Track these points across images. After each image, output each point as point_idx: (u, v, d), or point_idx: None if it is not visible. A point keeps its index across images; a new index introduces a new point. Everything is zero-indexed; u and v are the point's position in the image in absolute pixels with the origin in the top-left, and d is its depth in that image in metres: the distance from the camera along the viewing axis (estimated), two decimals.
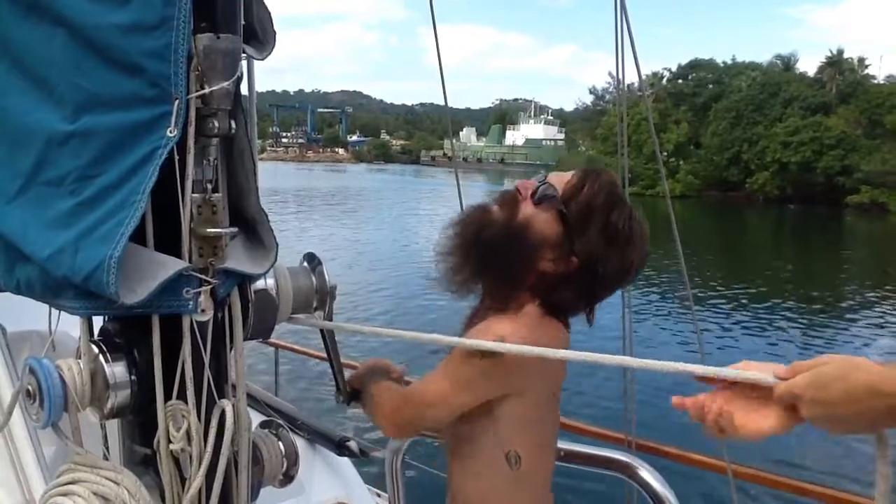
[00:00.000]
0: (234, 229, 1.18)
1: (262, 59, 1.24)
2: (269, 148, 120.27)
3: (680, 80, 75.22)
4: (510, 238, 1.63)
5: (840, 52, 66.41)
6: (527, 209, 1.64)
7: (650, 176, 50.77)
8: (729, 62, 75.40)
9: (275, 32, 1.25)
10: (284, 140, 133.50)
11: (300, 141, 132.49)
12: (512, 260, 1.63)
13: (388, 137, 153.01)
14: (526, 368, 1.59)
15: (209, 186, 1.15)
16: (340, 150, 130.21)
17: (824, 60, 66.67)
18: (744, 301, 18.89)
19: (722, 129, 62.82)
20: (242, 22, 1.16)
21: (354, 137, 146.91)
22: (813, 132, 56.28)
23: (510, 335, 1.54)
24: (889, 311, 18.74)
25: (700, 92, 71.50)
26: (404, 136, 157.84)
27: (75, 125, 1.07)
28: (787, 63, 73.34)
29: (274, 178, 61.34)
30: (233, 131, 1.14)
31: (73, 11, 1.05)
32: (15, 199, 1.13)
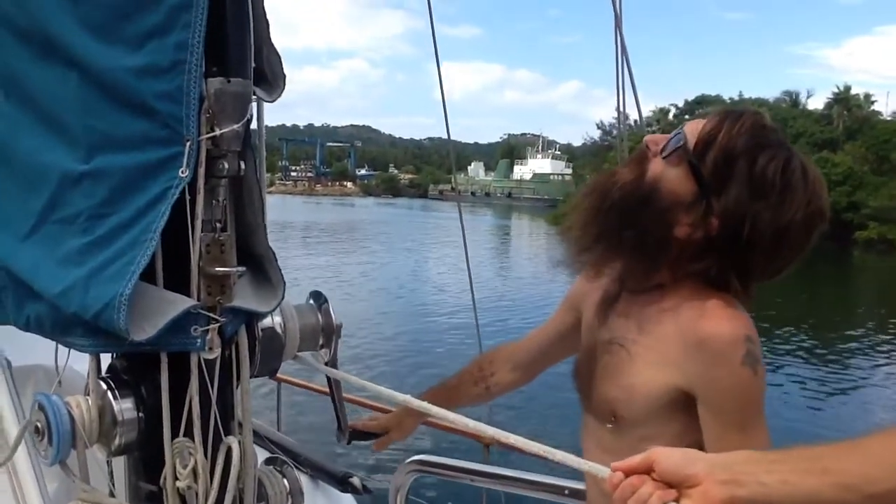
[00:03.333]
0: (243, 268, 1.20)
1: (272, 101, 1.27)
2: (278, 181, 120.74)
3: (686, 116, 75.44)
4: (637, 199, 1.39)
5: (847, 88, 66.67)
6: (656, 166, 1.40)
7: None
8: (735, 98, 75.91)
9: (284, 75, 1.28)
10: (293, 174, 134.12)
11: (309, 174, 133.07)
12: (643, 227, 1.38)
13: (396, 171, 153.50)
14: None
15: (218, 226, 1.17)
16: (349, 184, 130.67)
17: (831, 97, 66.95)
18: None
19: None
20: (253, 65, 1.19)
21: (363, 171, 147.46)
22: (820, 168, 56.10)
23: (748, 330, 1.32)
24: None
25: None
26: (413, 170, 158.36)
27: (88, 165, 1.09)
28: (794, 99, 73.68)
29: (283, 211, 61.55)
30: (242, 172, 1.17)
31: (86, 54, 1.07)
32: (28, 238, 1.15)
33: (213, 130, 1.11)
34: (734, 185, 1.32)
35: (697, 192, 1.35)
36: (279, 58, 1.27)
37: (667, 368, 1.38)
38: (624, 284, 1.52)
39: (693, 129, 1.38)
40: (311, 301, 1.44)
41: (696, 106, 75.34)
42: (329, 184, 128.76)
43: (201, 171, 1.11)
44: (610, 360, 1.48)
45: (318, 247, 37.36)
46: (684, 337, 1.35)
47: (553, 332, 1.83)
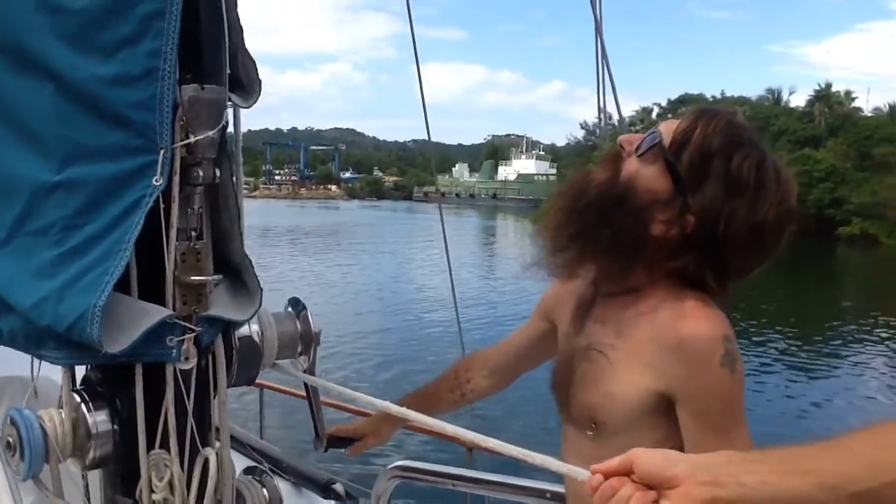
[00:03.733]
0: (219, 277, 1.19)
1: (248, 108, 1.26)
2: (262, 186, 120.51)
3: (669, 115, 75.34)
4: (612, 198, 1.38)
5: (828, 85, 67.18)
6: (631, 165, 1.40)
7: None
8: (718, 96, 76.27)
9: (260, 81, 1.27)
10: (277, 177, 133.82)
11: (293, 178, 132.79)
12: (619, 226, 1.37)
13: (380, 174, 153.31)
14: None
15: (193, 234, 1.16)
16: (333, 187, 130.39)
17: (812, 94, 67.46)
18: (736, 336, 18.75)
19: None
20: (228, 72, 1.17)
21: (347, 174, 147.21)
22: (802, 165, 56.54)
23: (726, 329, 1.32)
24: (883, 344, 18.70)
25: None
26: (397, 172, 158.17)
27: (61, 176, 1.08)
28: (776, 97, 74.20)
29: (266, 215, 61.39)
30: (217, 179, 1.16)
31: (61, 64, 1.06)
32: (0, 250, 1.13)
33: (187, 138, 1.10)
34: (710, 182, 1.33)
35: (673, 190, 1.35)
36: (254, 63, 1.26)
37: (646, 372, 1.37)
38: (599, 288, 1.51)
39: (668, 128, 1.39)
40: (290, 308, 1.43)
41: (679, 105, 75.71)
42: (313, 187, 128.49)
43: (176, 179, 1.10)
44: (589, 367, 1.46)
45: (301, 250, 37.25)
46: (662, 339, 1.35)
47: (526, 339, 1.83)
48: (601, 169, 1.45)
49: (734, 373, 1.30)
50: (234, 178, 1.21)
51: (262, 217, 56.74)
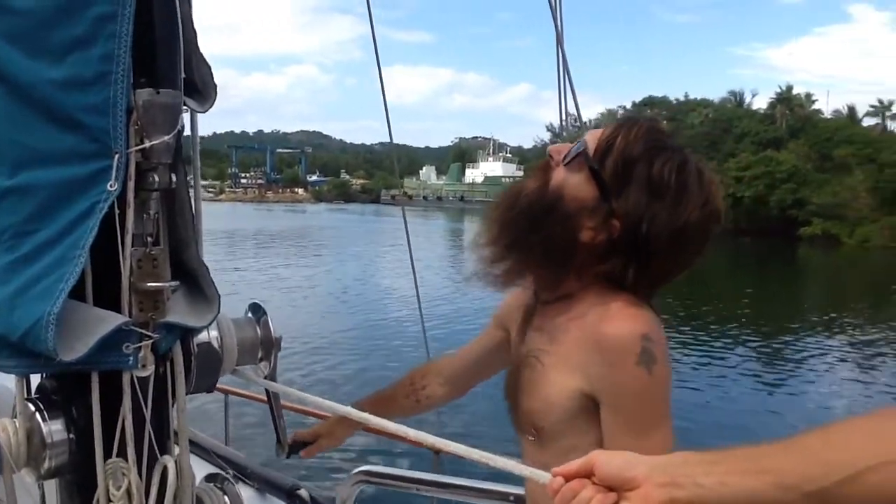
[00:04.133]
0: (176, 283, 1.17)
1: (204, 112, 1.25)
2: (227, 189, 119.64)
3: None
4: (541, 207, 1.42)
5: (789, 88, 68.27)
6: (559, 174, 1.43)
7: None
8: (682, 99, 77.16)
9: (215, 85, 1.26)
10: (244, 181, 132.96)
11: (260, 181, 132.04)
12: (549, 233, 1.40)
13: (348, 177, 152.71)
14: None
15: (150, 240, 1.14)
16: (300, 191, 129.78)
17: (774, 97, 68.44)
18: (701, 338, 18.88)
19: None
20: (183, 76, 1.16)
21: (314, 177, 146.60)
22: (765, 167, 57.56)
23: (645, 328, 1.32)
24: (845, 342, 19.01)
25: None
26: (364, 175, 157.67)
27: (13, 181, 1.06)
28: (739, 99, 75.14)
29: (232, 219, 60.93)
30: (174, 185, 1.15)
31: (11, 68, 1.04)
32: None
33: (142, 143, 1.09)
34: (633, 187, 1.36)
35: (599, 196, 1.38)
36: (209, 68, 1.25)
37: (574, 374, 1.39)
38: (538, 297, 1.54)
39: (593, 137, 1.42)
40: (250, 314, 1.42)
41: (643, 108, 76.44)
42: (280, 190, 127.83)
43: (131, 184, 1.09)
44: (529, 374, 1.48)
45: (267, 254, 37.00)
46: (586, 340, 1.37)
47: (482, 348, 1.84)
48: (531, 179, 1.48)
49: (651, 373, 1.30)
50: (192, 184, 1.20)
51: (228, 221, 56.28)
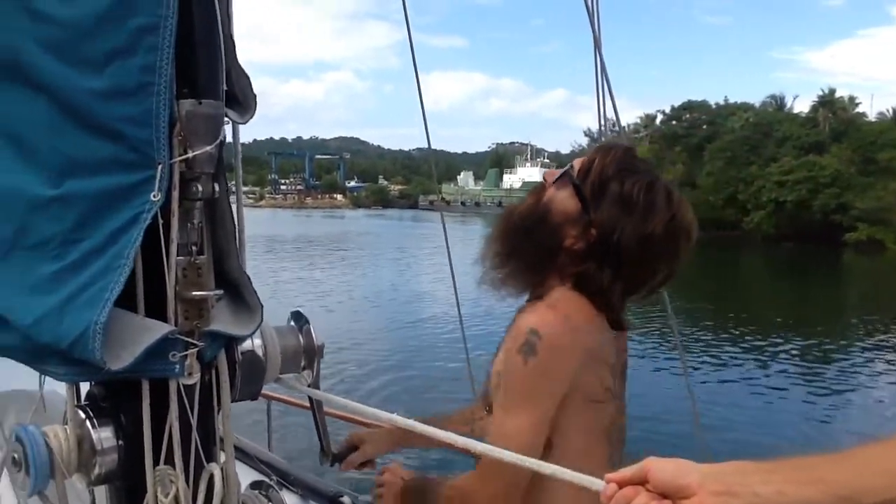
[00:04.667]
0: (220, 291, 1.18)
1: (244, 123, 1.26)
2: (268, 195, 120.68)
3: (674, 122, 75.79)
4: (534, 219, 1.67)
5: (832, 91, 66.98)
6: (550, 192, 1.68)
7: None
8: (721, 103, 76.19)
9: (255, 96, 1.27)
10: (283, 187, 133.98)
11: (299, 187, 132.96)
12: (537, 240, 1.65)
13: (385, 182, 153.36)
14: (585, 350, 1.56)
15: (194, 249, 1.16)
16: (339, 196, 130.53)
17: (816, 100, 67.31)
18: (741, 346, 18.50)
19: (717, 169, 63.07)
20: (224, 88, 1.18)
21: (352, 183, 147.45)
22: (807, 171, 56.62)
23: (539, 324, 1.53)
24: (891, 351, 18.57)
25: (694, 133, 71.81)
26: (402, 180, 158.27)
27: (58, 190, 1.07)
28: (780, 103, 74.06)
29: (272, 224, 61.40)
30: (216, 195, 1.16)
31: (53, 78, 1.06)
32: None
33: (185, 153, 1.10)
34: (607, 202, 1.59)
35: (580, 209, 1.62)
36: (248, 79, 1.26)
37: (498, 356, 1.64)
38: (527, 300, 1.73)
39: (579, 162, 1.68)
40: (292, 322, 1.43)
41: (683, 111, 75.72)
42: (319, 196, 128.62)
43: (175, 194, 1.10)
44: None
45: (307, 259, 37.24)
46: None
47: None
48: (528, 198, 1.74)
49: (526, 364, 1.52)
50: (234, 194, 1.21)
51: (268, 226, 56.73)
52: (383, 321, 20.08)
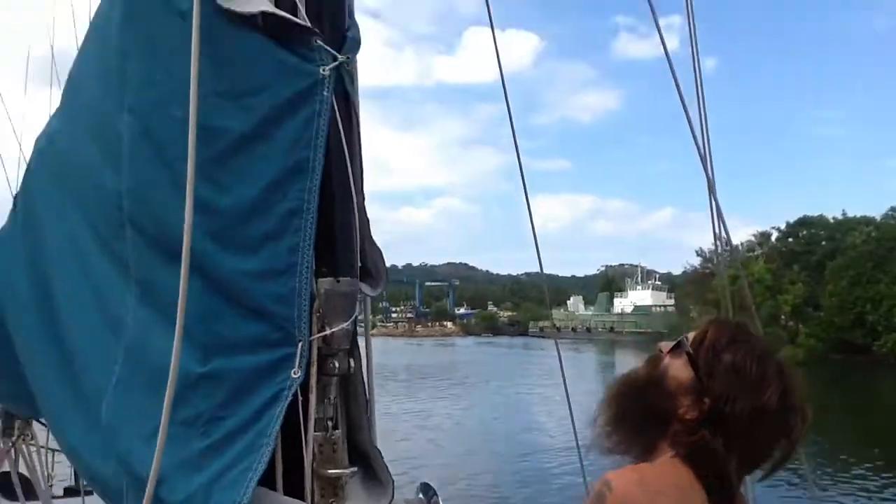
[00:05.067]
0: (354, 469, 1.20)
1: (375, 295, 1.30)
2: (379, 324, 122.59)
3: (790, 239, 73.72)
4: (648, 385, 1.69)
5: None
6: (665, 360, 1.71)
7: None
8: (839, 217, 73.80)
9: (386, 269, 1.31)
10: (394, 315, 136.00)
11: (409, 315, 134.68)
12: (650, 405, 1.66)
13: (494, 309, 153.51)
14: None
15: (329, 424, 1.18)
16: (448, 324, 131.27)
17: None
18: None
19: (841, 288, 60.47)
20: (359, 264, 1.22)
21: (462, 310, 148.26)
22: None
23: (615, 478, 1.53)
24: None
25: (813, 250, 69.59)
26: (511, 306, 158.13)
27: (207, 367, 1.13)
28: None
29: (384, 354, 61.95)
30: (352, 370, 1.19)
31: (209, 260, 1.13)
32: (150, 438, 1.17)
33: (323, 329, 1.14)
34: (720, 372, 1.60)
35: (694, 378, 1.62)
36: (381, 253, 1.31)
37: None
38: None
39: (692, 334, 1.70)
40: (421, 495, 1.43)
41: (799, 227, 73.69)
42: (429, 324, 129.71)
43: (313, 370, 1.14)
44: None
45: (420, 391, 37.19)
46: None
47: None
48: (642, 366, 1.76)
49: None
50: (367, 370, 1.24)
51: (379, 356, 56.62)
52: (498, 454, 19.66)
